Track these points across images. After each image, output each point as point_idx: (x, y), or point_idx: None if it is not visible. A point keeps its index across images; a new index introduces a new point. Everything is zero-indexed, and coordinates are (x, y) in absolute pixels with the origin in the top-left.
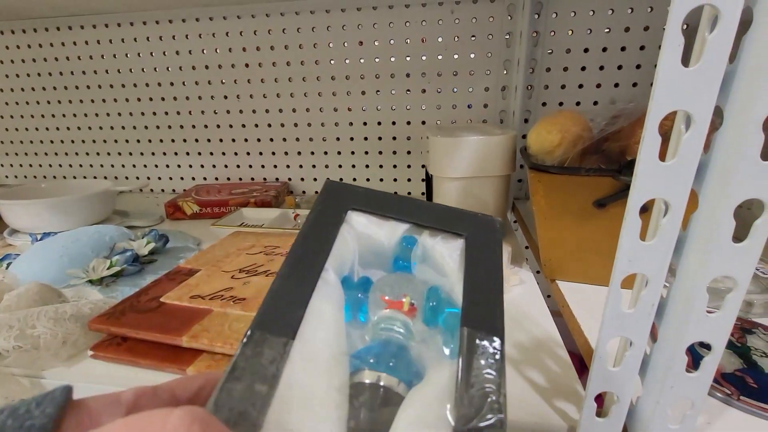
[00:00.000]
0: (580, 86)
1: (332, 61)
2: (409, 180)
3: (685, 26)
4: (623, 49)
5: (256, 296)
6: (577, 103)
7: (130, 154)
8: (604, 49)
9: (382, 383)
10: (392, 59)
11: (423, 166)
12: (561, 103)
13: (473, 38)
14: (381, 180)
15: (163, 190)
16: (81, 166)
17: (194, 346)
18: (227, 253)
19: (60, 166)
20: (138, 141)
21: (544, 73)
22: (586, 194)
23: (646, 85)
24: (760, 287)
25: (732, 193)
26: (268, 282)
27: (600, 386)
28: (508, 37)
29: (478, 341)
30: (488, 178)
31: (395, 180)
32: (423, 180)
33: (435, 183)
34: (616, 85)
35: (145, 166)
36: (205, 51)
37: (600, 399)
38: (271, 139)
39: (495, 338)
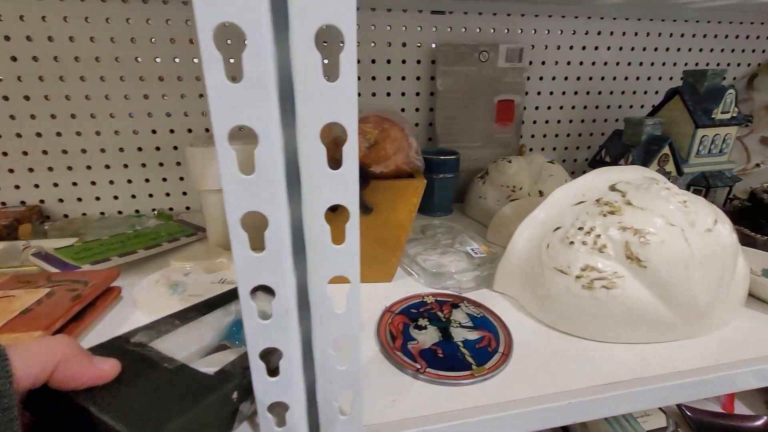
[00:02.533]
0: (374, 94)
1: (77, 59)
2: (184, 194)
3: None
4: (403, 62)
5: None
6: None
7: None
8: (388, 61)
9: None
10: (138, 60)
11: None
12: None
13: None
14: (150, 195)
15: None
16: None
17: None
18: None
19: None
20: None
21: None
22: None
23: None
24: (472, 265)
25: (318, 200)
26: None
27: (268, 398)
28: None
29: None
30: None
31: (168, 195)
32: None
33: (201, 197)
34: (403, 94)
35: None
36: None
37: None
38: (5, 153)
39: None
